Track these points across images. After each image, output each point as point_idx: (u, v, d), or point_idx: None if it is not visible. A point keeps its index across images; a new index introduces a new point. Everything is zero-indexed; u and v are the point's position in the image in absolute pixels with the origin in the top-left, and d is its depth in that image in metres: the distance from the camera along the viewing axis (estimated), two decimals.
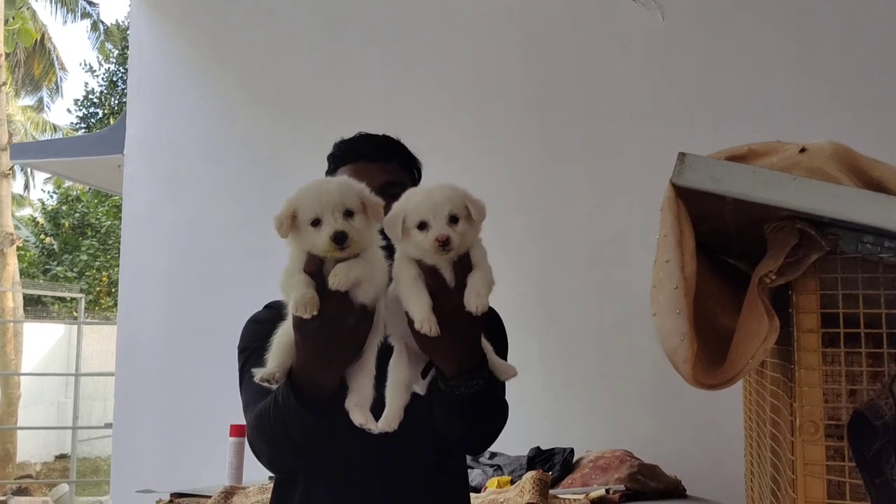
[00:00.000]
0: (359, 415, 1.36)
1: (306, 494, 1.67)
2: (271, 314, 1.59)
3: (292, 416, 1.41)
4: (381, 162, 1.73)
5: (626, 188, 3.98)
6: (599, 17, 4.12)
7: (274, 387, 1.42)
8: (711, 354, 1.15)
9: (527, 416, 2.98)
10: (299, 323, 1.32)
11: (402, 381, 1.41)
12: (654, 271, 1.07)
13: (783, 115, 3.76)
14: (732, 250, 1.66)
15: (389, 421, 1.37)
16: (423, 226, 1.31)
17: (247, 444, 3.18)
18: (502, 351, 1.66)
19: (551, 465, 3.14)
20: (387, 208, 1.37)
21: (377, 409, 1.38)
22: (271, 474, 3.30)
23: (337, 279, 1.27)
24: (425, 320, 1.29)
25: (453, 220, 1.31)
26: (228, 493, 2.93)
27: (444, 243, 1.29)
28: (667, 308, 1.03)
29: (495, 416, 1.59)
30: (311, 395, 1.39)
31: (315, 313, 1.28)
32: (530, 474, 2.72)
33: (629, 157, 3.99)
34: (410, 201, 1.34)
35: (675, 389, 3.87)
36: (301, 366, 1.39)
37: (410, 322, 1.32)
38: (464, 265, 1.33)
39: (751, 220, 1.25)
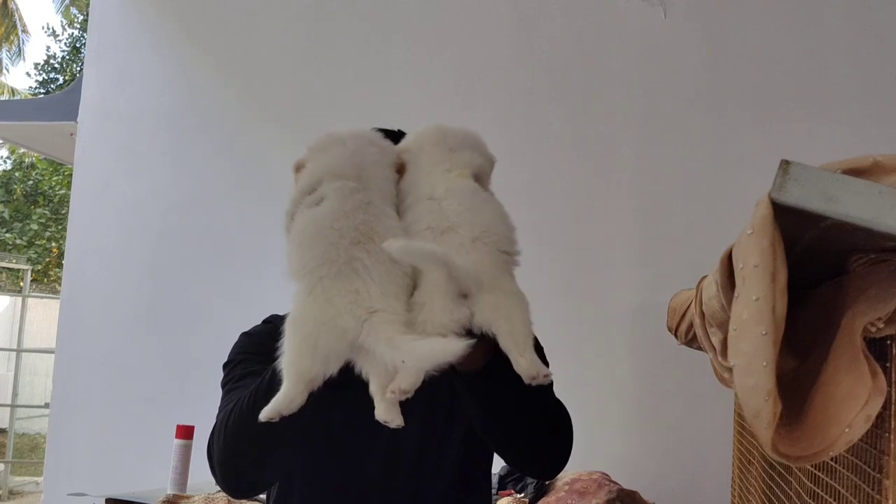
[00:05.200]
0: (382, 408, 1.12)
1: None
2: (267, 328, 1.42)
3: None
4: None
5: (615, 191, 3.77)
6: (596, 10, 3.89)
7: None
8: (783, 410, 0.92)
9: None
10: None
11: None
12: (734, 310, 0.83)
13: (787, 116, 3.57)
14: None
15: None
16: None
17: (194, 454, 2.92)
18: None
19: (524, 485, 2.91)
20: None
21: None
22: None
23: None
24: None
25: None
26: (170, 503, 2.65)
27: None
28: (752, 359, 0.79)
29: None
30: None
31: None
32: (505, 501, 2.50)
33: (619, 158, 3.77)
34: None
35: (650, 407, 3.68)
36: None
37: None
38: None
39: (822, 240, 1.02)
